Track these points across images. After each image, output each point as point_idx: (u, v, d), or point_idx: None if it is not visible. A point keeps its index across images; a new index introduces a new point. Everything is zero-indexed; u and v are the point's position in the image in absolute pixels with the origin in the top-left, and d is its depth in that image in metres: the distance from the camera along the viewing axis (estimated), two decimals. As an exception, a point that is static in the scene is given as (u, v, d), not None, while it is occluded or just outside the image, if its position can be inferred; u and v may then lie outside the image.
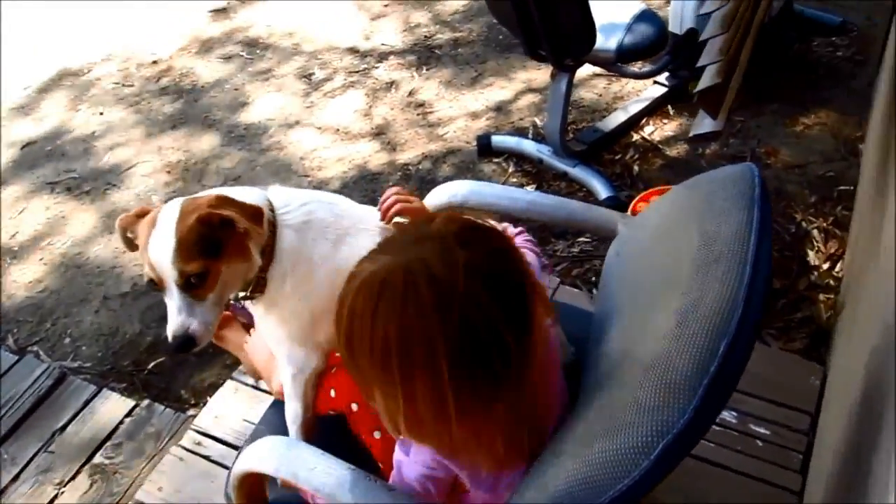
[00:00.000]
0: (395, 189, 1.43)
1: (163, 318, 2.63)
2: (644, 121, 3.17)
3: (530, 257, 1.25)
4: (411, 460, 1.11)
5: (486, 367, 0.93)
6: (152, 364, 2.59)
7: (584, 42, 2.49)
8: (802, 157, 2.92)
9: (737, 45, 1.79)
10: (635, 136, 3.13)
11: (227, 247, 1.26)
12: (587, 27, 2.43)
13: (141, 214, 1.33)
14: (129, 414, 2.38)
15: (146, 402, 2.41)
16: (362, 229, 1.40)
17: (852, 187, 2.75)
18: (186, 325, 1.24)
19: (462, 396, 0.92)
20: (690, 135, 2.16)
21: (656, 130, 3.15)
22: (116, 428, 2.34)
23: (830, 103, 3.13)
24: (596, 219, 1.47)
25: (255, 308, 1.41)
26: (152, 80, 3.93)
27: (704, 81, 1.83)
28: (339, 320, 0.97)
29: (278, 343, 1.42)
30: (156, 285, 1.28)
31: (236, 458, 1.28)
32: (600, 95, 3.37)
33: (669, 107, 3.22)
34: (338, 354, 1.50)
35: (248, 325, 1.68)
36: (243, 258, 1.29)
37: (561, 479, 0.93)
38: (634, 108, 3.15)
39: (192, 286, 1.24)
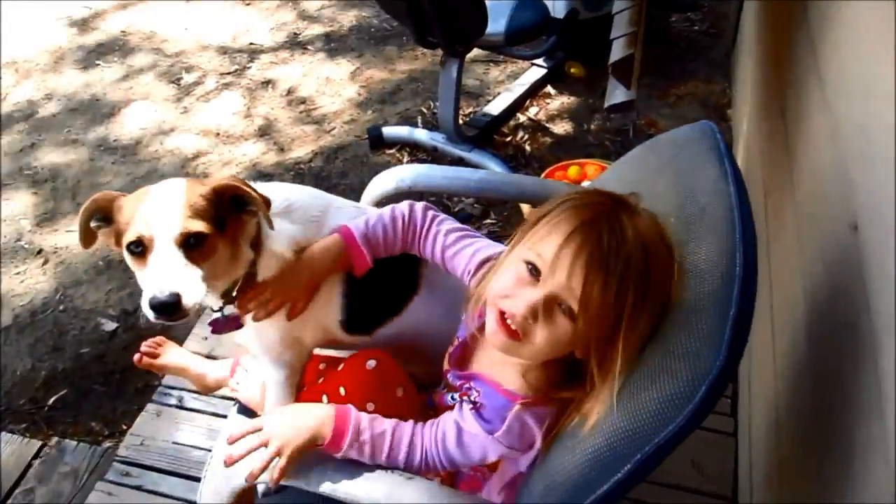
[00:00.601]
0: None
1: (56, 349, 2.48)
2: (528, 102, 3.26)
3: None
4: (486, 436, 1.10)
5: None
6: (52, 399, 2.38)
7: (476, 27, 2.52)
8: (679, 125, 3.07)
9: (639, 16, 1.87)
10: (522, 118, 3.21)
11: (228, 227, 1.18)
12: (479, 12, 2.46)
13: (112, 198, 1.20)
14: (36, 455, 2.17)
15: (55, 440, 2.22)
16: (338, 208, 1.36)
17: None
18: (174, 286, 1.08)
19: None
20: (606, 106, 2.23)
21: (541, 111, 3.24)
22: (24, 472, 2.14)
23: (695, 74, 3.33)
24: (549, 192, 1.50)
25: (241, 309, 1.32)
26: (2, 94, 3.60)
27: (616, 53, 1.90)
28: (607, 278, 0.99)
29: (267, 348, 1.34)
30: (138, 247, 1.13)
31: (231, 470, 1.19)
32: (481, 81, 3.42)
33: (550, 87, 3.32)
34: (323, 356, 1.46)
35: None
36: (235, 247, 1.21)
37: (598, 436, 0.95)
38: (518, 91, 3.23)
39: (189, 246, 1.12)
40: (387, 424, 1.16)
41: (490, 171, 2.55)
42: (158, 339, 1.76)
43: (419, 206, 1.33)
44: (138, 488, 1.99)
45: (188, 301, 1.10)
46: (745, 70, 2.84)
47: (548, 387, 1.07)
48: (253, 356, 1.43)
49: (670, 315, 0.99)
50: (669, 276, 1.03)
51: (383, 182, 1.51)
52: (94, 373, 2.44)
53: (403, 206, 1.33)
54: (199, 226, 1.12)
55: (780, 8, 2.13)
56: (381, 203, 1.57)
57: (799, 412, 1.40)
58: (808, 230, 1.43)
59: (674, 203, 1.14)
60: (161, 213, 1.13)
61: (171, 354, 1.72)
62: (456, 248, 1.29)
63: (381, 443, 1.14)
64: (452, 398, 1.18)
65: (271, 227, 1.22)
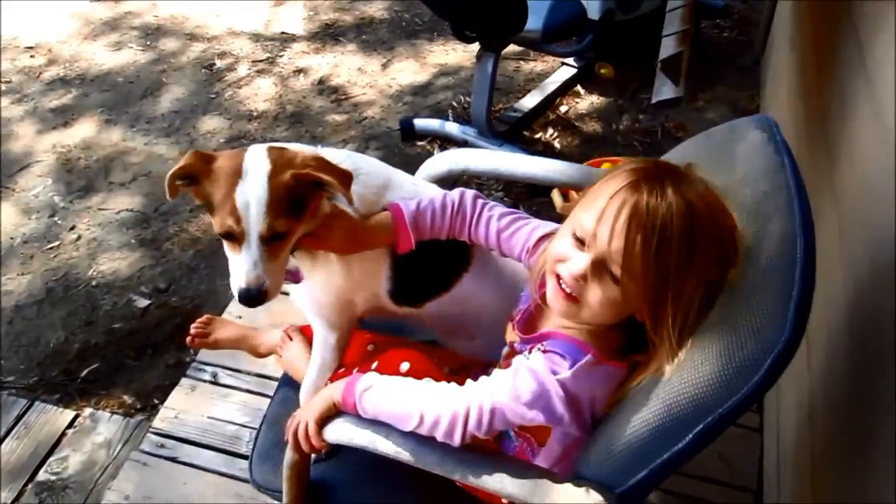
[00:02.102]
0: None
1: (88, 323, 2.51)
2: (558, 100, 3.29)
3: None
4: (549, 379, 1.07)
5: None
6: (85, 371, 2.42)
7: (517, 23, 2.55)
8: (706, 129, 3.12)
9: (690, 14, 1.91)
10: (551, 115, 3.24)
11: (307, 208, 1.22)
12: (520, 8, 2.50)
13: (206, 160, 1.22)
14: (70, 425, 2.22)
15: (88, 410, 2.25)
16: (398, 183, 1.39)
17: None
18: (263, 279, 1.19)
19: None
20: (653, 102, 2.27)
21: (570, 109, 3.27)
22: (58, 441, 2.18)
23: (724, 80, 3.37)
24: (595, 179, 1.53)
25: (303, 262, 1.36)
26: (34, 75, 3.65)
27: (667, 50, 1.94)
28: (655, 244, 1.02)
29: (319, 308, 1.37)
30: (231, 237, 1.20)
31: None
32: (511, 78, 3.46)
33: (580, 86, 3.36)
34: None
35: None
36: (315, 220, 1.25)
37: (662, 406, 0.98)
38: (548, 89, 3.26)
39: (271, 241, 1.19)
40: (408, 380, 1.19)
41: (540, 157, 2.59)
42: (205, 318, 1.76)
43: (469, 194, 1.36)
44: (173, 460, 2.02)
45: (272, 292, 1.20)
46: (778, 76, 2.87)
47: (615, 351, 1.11)
48: (306, 316, 1.46)
49: (733, 291, 1.02)
50: (720, 241, 1.05)
51: (438, 164, 1.55)
52: (126, 347, 2.48)
53: (454, 194, 1.37)
54: (283, 225, 1.18)
55: (821, 11, 2.16)
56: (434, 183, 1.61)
57: (835, 408, 1.43)
58: (850, 230, 1.46)
59: (732, 190, 1.17)
60: (249, 209, 1.17)
61: (222, 329, 1.75)
62: (512, 230, 1.32)
63: (397, 388, 1.16)
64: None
65: (351, 203, 1.25)
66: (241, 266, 1.19)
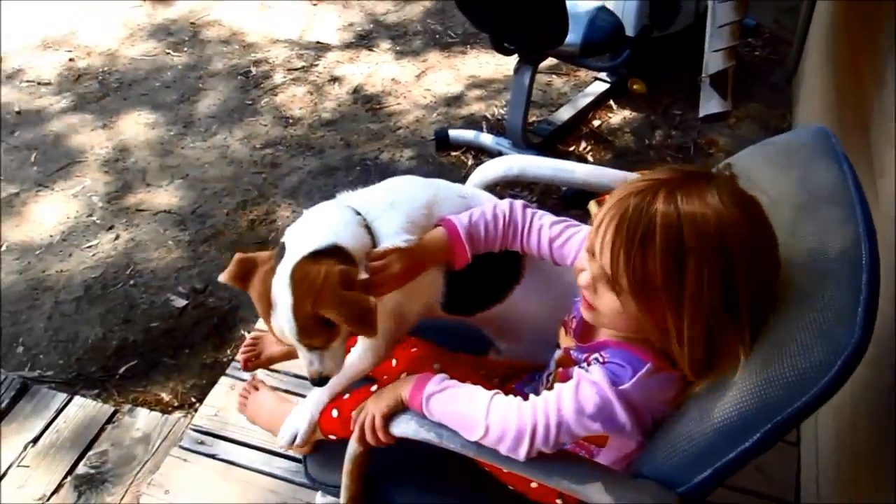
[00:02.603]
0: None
1: (126, 321, 2.55)
2: (591, 115, 3.32)
3: None
4: (611, 390, 1.07)
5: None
6: (123, 368, 2.45)
7: (557, 36, 2.59)
8: (738, 146, 3.13)
9: (736, 31, 1.94)
10: (584, 129, 3.27)
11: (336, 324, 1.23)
12: (561, 23, 2.53)
13: (244, 275, 1.26)
14: (109, 420, 2.24)
15: (128, 406, 2.28)
16: (444, 198, 1.39)
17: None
18: (319, 371, 1.27)
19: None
20: (700, 116, 2.29)
21: (603, 123, 3.30)
22: (98, 435, 2.21)
23: (755, 98, 3.39)
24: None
25: None
26: (71, 77, 3.71)
27: (715, 65, 1.96)
28: (640, 254, 1.01)
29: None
30: None
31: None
32: (544, 91, 3.49)
33: (612, 101, 3.39)
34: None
35: None
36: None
37: (730, 405, 1.00)
38: (581, 103, 3.29)
39: (316, 347, 1.26)
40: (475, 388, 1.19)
41: (593, 165, 2.62)
42: (249, 339, 1.77)
43: (518, 203, 1.38)
44: (212, 456, 2.05)
45: (332, 373, 1.28)
46: (811, 93, 2.89)
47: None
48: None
49: (800, 292, 1.03)
50: (726, 255, 1.00)
51: (491, 169, 1.57)
52: (163, 346, 2.52)
53: (504, 205, 1.38)
54: (316, 341, 1.23)
55: (858, 27, 2.18)
56: (486, 189, 1.63)
57: (880, 417, 1.44)
58: (891, 238, 1.47)
59: (795, 199, 1.19)
60: (284, 333, 1.22)
61: (271, 346, 1.77)
62: (563, 238, 1.34)
63: (466, 396, 1.16)
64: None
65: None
66: (302, 363, 1.28)
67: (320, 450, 1.43)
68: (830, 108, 2.46)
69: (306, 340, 1.22)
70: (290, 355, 1.73)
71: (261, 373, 2.23)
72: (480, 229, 1.34)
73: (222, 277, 1.27)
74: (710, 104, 2.10)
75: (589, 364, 1.12)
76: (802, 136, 1.29)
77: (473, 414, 1.13)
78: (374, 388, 1.36)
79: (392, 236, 1.30)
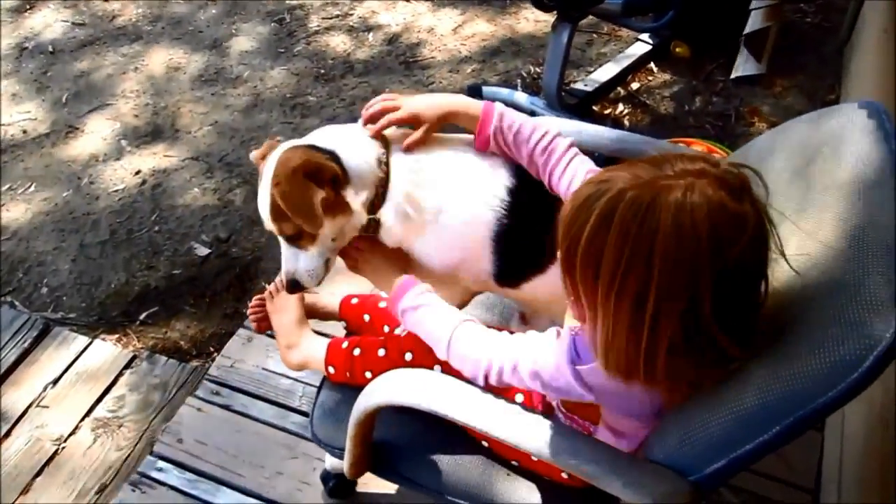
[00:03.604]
0: (382, 96, 1.36)
1: (149, 268, 2.55)
2: (630, 77, 3.21)
3: None
4: (571, 368, 1.05)
5: (739, 318, 0.93)
6: (144, 314, 2.46)
7: (598, -9, 2.48)
8: (782, 115, 3.02)
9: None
10: (623, 92, 3.17)
11: (326, 208, 1.24)
12: (603, -23, 2.43)
13: (266, 152, 1.32)
14: (128, 365, 2.25)
15: (146, 353, 2.29)
16: (475, 161, 1.33)
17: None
18: (292, 272, 1.31)
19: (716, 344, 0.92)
20: (732, 77, 2.18)
21: (642, 86, 3.19)
22: (116, 380, 2.22)
23: (804, 68, 3.24)
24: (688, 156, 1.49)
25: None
26: (106, 19, 3.68)
27: (753, 25, 1.86)
28: (575, 226, 0.92)
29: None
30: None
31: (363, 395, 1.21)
32: (583, 52, 3.38)
33: (653, 64, 3.27)
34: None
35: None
36: (342, 212, 1.27)
37: (750, 395, 0.95)
38: (621, 65, 3.18)
39: (293, 239, 1.29)
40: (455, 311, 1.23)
41: (625, 131, 2.54)
42: (257, 298, 1.70)
43: (566, 139, 1.31)
44: (226, 408, 2.05)
45: (304, 282, 1.31)
46: (863, 65, 2.75)
47: None
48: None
49: (837, 280, 0.97)
50: (638, 241, 0.88)
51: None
52: (185, 293, 2.51)
53: (552, 126, 1.32)
54: (287, 227, 1.26)
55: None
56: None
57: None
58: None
59: (839, 178, 1.11)
60: (263, 214, 1.29)
61: (279, 313, 1.73)
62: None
63: (432, 315, 1.21)
64: None
65: (362, 195, 1.30)
66: (282, 261, 1.32)
67: (328, 412, 1.40)
68: (884, 82, 2.34)
69: (276, 225, 1.26)
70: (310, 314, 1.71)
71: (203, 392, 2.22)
72: (512, 132, 1.30)
73: (252, 155, 1.39)
74: (745, 66, 1.99)
75: (575, 334, 1.07)
76: (852, 111, 1.21)
77: (440, 338, 1.18)
78: (381, 351, 1.33)
79: (397, 194, 1.30)
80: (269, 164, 1.27)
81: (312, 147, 1.28)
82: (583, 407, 1.16)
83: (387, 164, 1.29)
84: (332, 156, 1.26)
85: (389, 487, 1.76)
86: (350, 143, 1.30)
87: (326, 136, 1.32)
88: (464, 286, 1.42)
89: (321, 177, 1.22)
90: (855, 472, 1.64)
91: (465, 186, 1.31)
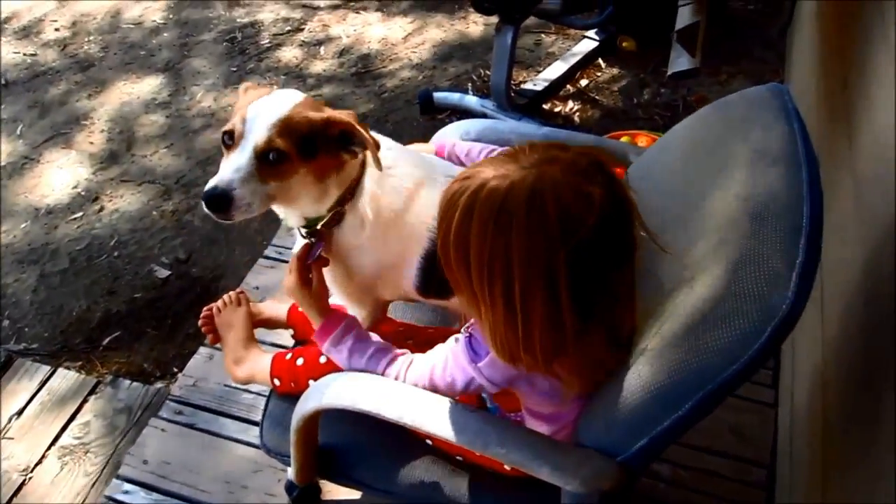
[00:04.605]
0: None
1: (110, 293, 2.55)
2: (578, 74, 3.26)
3: None
4: (473, 366, 1.10)
5: (591, 299, 0.97)
6: (107, 340, 2.46)
7: (535, -8, 2.53)
8: (729, 102, 3.08)
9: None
10: (572, 89, 3.21)
11: (318, 158, 1.21)
12: (539, -23, 2.47)
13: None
14: (92, 391, 2.26)
15: (110, 377, 2.30)
16: (433, 180, 1.34)
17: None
18: (234, 185, 1.16)
19: (574, 324, 0.96)
20: (668, 73, 2.24)
21: (591, 82, 3.24)
22: (80, 406, 2.23)
23: (748, 53, 3.30)
24: (608, 149, 1.53)
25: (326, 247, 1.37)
26: (57, 48, 3.69)
27: (682, 20, 1.91)
28: (445, 222, 0.97)
29: (345, 293, 1.39)
30: (229, 139, 1.21)
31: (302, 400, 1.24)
32: (532, 51, 3.43)
33: (601, 60, 3.32)
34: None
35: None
36: (320, 181, 1.25)
37: (663, 374, 0.98)
38: (569, 62, 3.23)
39: (265, 161, 1.18)
40: (375, 339, 1.24)
41: (553, 128, 2.57)
42: (206, 310, 1.69)
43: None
44: (191, 426, 2.06)
45: (238, 204, 1.16)
46: (802, 47, 2.81)
47: None
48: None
49: (738, 257, 1.00)
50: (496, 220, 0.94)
51: (448, 133, 1.54)
52: (146, 317, 2.52)
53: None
54: (283, 144, 1.16)
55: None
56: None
57: (848, 374, 1.42)
58: (867, 196, 1.43)
59: (743, 158, 1.16)
60: (260, 115, 1.17)
61: (228, 328, 1.74)
62: None
63: (363, 348, 1.21)
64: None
65: (379, 169, 1.23)
66: (223, 167, 1.18)
67: (276, 421, 1.42)
68: (817, 63, 2.39)
69: (273, 133, 1.17)
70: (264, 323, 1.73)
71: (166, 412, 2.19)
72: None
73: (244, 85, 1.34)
74: (679, 61, 2.04)
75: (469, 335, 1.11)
76: (756, 95, 1.25)
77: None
78: (322, 358, 1.36)
79: (365, 193, 1.30)
80: (287, 92, 1.25)
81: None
82: (504, 396, 1.19)
83: (363, 163, 1.30)
84: None
85: (355, 494, 1.78)
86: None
87: None
88: (377, 297, 1.42)
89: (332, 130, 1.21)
90: (802, 438, 1.69)
91: (421, 200, 1.33)
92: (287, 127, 1.17)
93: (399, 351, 1.22)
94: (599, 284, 0.97)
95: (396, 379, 1.18)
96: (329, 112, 1.24)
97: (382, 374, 1.19)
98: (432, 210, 1.29)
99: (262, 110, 1.19)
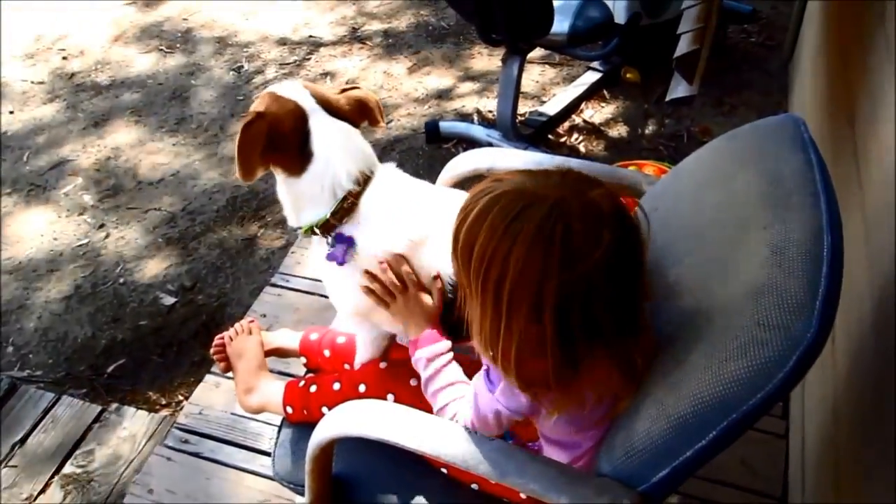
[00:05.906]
0: None
1: (115, 320, 2.55)
2: (583, 105, 3.29)
3: None
4: (492, 396, 1.12)
5: (584, 336, 0.97)
6: (112, 367, 2.45)
7: (543, 26, 2.55)
8: (732, 134, 3.10)
9: (708, 13, 1.90)
10: (577, 119, 3.24)
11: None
12: (547, 11, 2.50)
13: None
14: (96, 419, 2.24)
15: (114, 405, 2.28)
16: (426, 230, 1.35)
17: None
18: None
19: (559, 363, 0.98)
20: (666, 100, 2.26)
21: (595, 113, 3.26)
22: (84, 434, 2.21)
23: (750, 85, 3.34)
24: (622, 179, 1.53)
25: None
26: (65, 77, 3.71)
27: (682, 48, 1.93)
28: (465, 212, 0.99)
29: (350, 309, 1.39)
30: None
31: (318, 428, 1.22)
32: (537, 81, 3.46)
33: (605, 91, 3.35)
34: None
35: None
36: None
37: (685, 403, 0.98)
38: (573, 93, 3.26)
39: None
40: (456, 372, 1.26)
41: (564, 157, 2.59)
42: (218, 338, 1.71)
43: None
44: (196, 455, 2.04)
45: None
46: (805, 80, 2.84)
47: None
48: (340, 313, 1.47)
49: (759, 286, 1.00)
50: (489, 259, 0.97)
51: (462, 163, 1.55)
52: (152, 344, 2.51)
53: None
54: None
55: (850, 13, 2.14)
56: (457, 184, 1.61)
57: (860, 406, 1.42)
58: (876, 230, 1.44)
59: (759, 189, 1.16)
60: None
61: (240, 358, 1.74)
62: None
63: (443, 377, 1.24)
64: None
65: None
66: None
67: (288, 449, 1.41)
68: (822, 95, 2.42)
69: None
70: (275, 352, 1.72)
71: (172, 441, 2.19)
72: None
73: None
74: (677, 89, 2.06)
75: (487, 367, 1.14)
76: (770, 125, 1.26)
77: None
78: (336, 385, 1.35)
79: (363, 216, 1.33)
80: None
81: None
82: (522, 426, 1.19)
83: (366, 182, 1.33)
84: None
85: (362, 524, 1.76)
86: (343, 142, 1.37)
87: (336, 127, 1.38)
88: (376, 325, 1.42)
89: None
90: (815, 470, 1.67)
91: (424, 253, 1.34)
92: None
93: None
94: (589, 333, 0.97)
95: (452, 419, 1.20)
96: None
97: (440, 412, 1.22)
98: (434, 265, 1.32)
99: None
